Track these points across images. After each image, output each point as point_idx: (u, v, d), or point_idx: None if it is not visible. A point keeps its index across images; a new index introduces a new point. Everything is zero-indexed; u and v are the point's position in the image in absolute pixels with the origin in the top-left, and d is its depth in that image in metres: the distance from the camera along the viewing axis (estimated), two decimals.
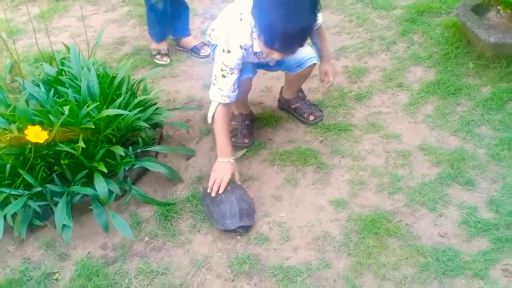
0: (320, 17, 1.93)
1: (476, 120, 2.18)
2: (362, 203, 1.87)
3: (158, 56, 2.83)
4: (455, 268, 1.60)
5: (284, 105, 2.36)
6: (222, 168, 1.86)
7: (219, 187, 1.82)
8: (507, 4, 2.30)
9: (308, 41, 1.96)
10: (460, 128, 2.15)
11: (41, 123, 1.73)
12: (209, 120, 1.90)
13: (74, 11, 3.54)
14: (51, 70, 2.10)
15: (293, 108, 2.32)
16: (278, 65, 2.09)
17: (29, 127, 1.48)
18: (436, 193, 1.87)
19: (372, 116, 2.28)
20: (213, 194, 1.82)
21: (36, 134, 1.46)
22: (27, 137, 1.46)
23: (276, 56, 1.73)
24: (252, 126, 2.27)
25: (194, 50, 2.86)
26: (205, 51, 2.82)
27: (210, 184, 1.85)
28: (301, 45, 1.72)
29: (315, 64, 2.11)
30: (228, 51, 1.79)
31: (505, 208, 1.77)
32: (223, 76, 1.81)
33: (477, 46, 2.47)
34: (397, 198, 1.87)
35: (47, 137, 1.49)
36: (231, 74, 1.81)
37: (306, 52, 2.07)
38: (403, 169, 1.99)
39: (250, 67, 1.94)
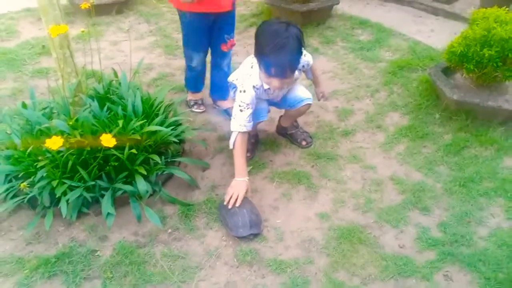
0: (311, 58, 2.51)
1: (437, 161, 2.65)
2: (341, 217, 2.34)
3: (195, 106, 3.13)
4: (408, 271, 2.04)
5: (281, 131, 2.89)
6: (238, 186, 2.29)
7: (236, 200, 2.25)
8: (469, 70, 2.85)
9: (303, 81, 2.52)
10: (423, 166, 2.62)
11: (97, 132, 2.21)
12: (231, 146, 2.38)
13: (107, 35, 4.04)
14: (100, 88, 2.59)
15: (289, 134, 2.85)
16: (283, 102, 2.61)
17: (103, 135, 1.96)
18: (399, 214, 2.32)
19: (354, 150, 2.78)
20: (229, 206, 2.24)
21: (108, 140, 1.93)
22: (101, 142, 1.93)
23: (275, 83, 2.26)
24: (255, 144, 2.77)
25: (228, 112, 3.03)
26: None
27: (227, 197, 2.28)
28: (292, 71, 2.26)
29: (310, 104, 2.65)
30: (244, 91, 2.32)
31: (451, 230, 2.22)
32: (241, 110, 2.33)
33: (443, 100, 3.01)
34: (368, 215, 2.34)
35: (115, 143, 1.97)
36: (247, 108, 2.33)
37: (304, 93, 2.61)
38: (375, 194, 2.47)
39: (264, 109, 2.49)
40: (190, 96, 3.16)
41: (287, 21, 2.22)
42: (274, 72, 2.20)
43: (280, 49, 2.13)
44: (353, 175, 2.59)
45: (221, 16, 2.69)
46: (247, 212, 2.24)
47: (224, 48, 2.82)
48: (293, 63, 2.22)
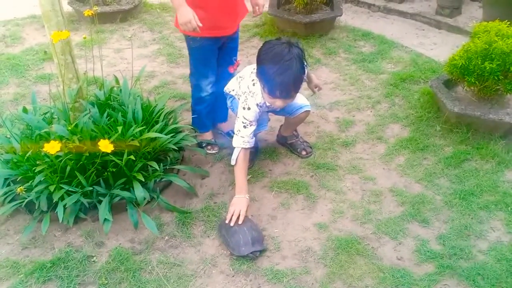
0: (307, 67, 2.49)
1: (437, 173, 2.64)
2: (340, 228, 2.33)
3: (209, 147, 2.84)
4: (406, 283, 2.03)
5: (282, 140, 2.89)
6: (240, 203, 2.28)
7: (238, 217, 2.23)
8: (470, 83, 2.85)
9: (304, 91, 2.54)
10: (423, 178, 2.61)
11: (96, 137, 2.22)
12: (233, 162, 2.38)
13: (111, 43, 4.07)
14: (101, 95, 2.60)
15: (289, 143, 2.85)
16: (282, 109, 2.62)
17: (101, 140, 1.96)
18: (398, 226, 2.31)
19: (354, 161, 2.77)
20: (232, 224, 2.21)
21: (106, 146, 1.94)
22: (99, 147, 1.93)
23: (279, 103, 2.28)
24: (255, 153, 2.75)
25: (229, 134, 2.90)
26: None
27: (228, 215, 2.26)
28: (296, 91, 2.28)
29: (309, 111, 2.67)
30: (248, 108, 2.34)
31: (450, 243, 2.20)
32: (244, 127, 2.34)
33: (444, 113, 3.00)
34: (367, 227, 2.33)
35: (113, 148, 1.97)
36: (250, 125, 2.35)
37: (302, 101, 2.64)
38: (374, 205, 2.46)
39: (264, 119, 2.51)
40: (202, 137, 2.90)
41: (289, 41, 2.24)
42: (279, 94, 2.22)
43: (284, 72, 2.15)
44: (352, 186, 2.58)
45: (228, 39, 2.62)
46: (247, 230, 2.21)
47: (231, 70, 2.75)
48: (297, 84, 2.25)
